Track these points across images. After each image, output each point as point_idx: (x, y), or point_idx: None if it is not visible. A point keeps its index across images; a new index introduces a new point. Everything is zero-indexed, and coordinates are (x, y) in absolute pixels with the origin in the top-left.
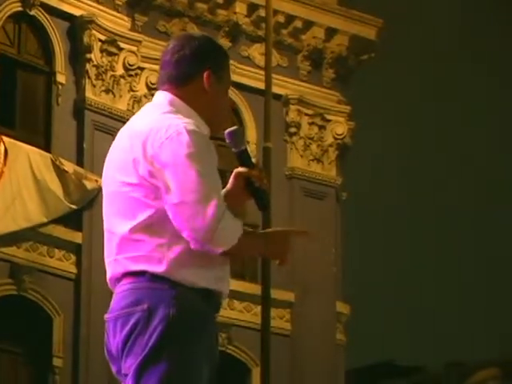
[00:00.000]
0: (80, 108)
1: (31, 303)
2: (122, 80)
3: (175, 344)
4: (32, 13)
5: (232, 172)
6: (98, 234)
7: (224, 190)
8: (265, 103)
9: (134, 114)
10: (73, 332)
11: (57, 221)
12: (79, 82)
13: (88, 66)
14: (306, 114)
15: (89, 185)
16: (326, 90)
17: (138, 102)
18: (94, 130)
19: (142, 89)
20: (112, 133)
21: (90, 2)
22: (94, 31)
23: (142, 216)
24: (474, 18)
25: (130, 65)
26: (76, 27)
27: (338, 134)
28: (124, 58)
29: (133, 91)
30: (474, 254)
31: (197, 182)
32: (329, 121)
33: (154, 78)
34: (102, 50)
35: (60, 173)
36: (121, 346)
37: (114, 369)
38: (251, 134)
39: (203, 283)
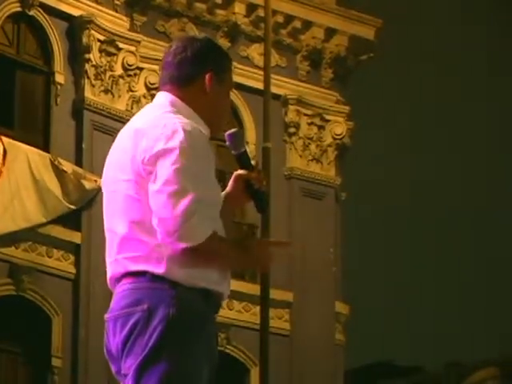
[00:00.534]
0: (79, 108)
1: (30, 303)
2: (120, 80)
3: (175, 344)
4: (31, 13)
5: (231, 173)
6: (96, 234)
7: (224, 192)
8: (264, 103)
9: (132, 114)
10: (72, 332)
11: (56, 221)
12: (78, 82)
13: (87, 66)
14: (305, 114)
15: (88, 185)
16: (325, 90)
17: (136, 102)
18: (93, 130)
19: (140, 89)
20: (111, 133)
21: (88, 2)
22: (92, 31)
23: (142, 216)
24: (473, 18)
25: (128, 65)
26: (75, 27)
27: (337, 134)
28: (123, 58)
29: (132, 91)
30: (473, 254)
31: (178, 175)
32: (328, 121)
33: (152, 78)
34: (100, 50)
35: (59, 173)
36: (121, 346)
37: (113, 369)
38: (250, 134)
39: (203, 283)
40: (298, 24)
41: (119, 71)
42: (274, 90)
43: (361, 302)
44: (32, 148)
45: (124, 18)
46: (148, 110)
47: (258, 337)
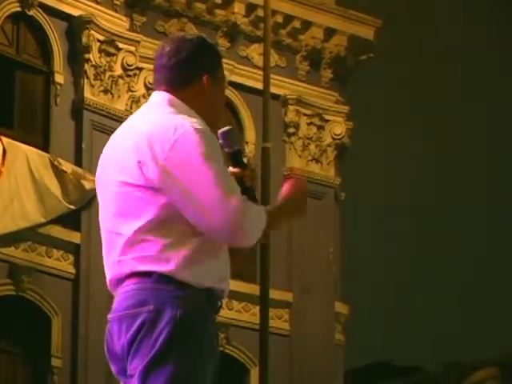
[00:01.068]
0: (78, 108)
1: (30, 303)
2: (120, 80)
3: (182, 345)
4: (30, 13)
5: None
6: (96, 234)
7: None
8: (263, 103)
9: (132, 114)
10: (71, 332)
11: (55, 221)
12: (78, 82)
13: (86, 66)
14: (305, 114)
15: (87, 185)
16: (325, 90)
17: (136, 102)
18: (93, 130)
19: (140, 89)
20: (110, 133)
21: (88, 2)
22: (92, 31)
23: (149, 217)
24: (473, 18)
25: (128, 65)
26: (74, 27)
27: (336, 134)
28: (122, 58)
29: (131, 91)
30: (473, 254)
31: (215, 179)
32: (327, 121)
33: (152, 79)
34: (100, 50)
35: (58, 173)
36: (126, 346)
37: (114, 369)
38: (250, 134)
39: (209, 283)
40: (297, 24)
41: (119, 71)
42: (273, 90)
43: (361, 302)
44: (32, 148)
45: (124, 18)
46: (147, 110)
47: (258, 337)
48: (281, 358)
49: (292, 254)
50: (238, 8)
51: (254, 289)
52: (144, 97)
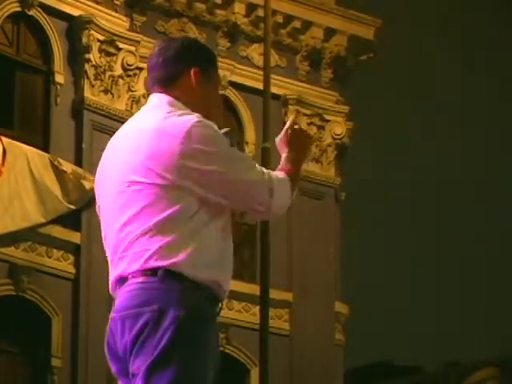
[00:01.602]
0: (78, 108)
1: (30, 303)
2: (120, 80)
3: (185, 345)
4: (30, 13)
5: None
6: (96, 234)
7: None
8: (263, 103)
9: (132, 114)
10: (71, 332)
11: (55, 221)
12: (78, 82)
13: (86, 66)
14: (305, 114)
15: (87, 185)
16: (325, 90)
17: (136, 102)
18: (93, 130)
19: (140, 89)
20: (111, 133)
21: (88, 2)
22: (92, 31)
23: (155, 214)
24: (473, 18)
25: (128, 65)
26: (74, 27)
27: (336, 134)
28: (122, 58)
29: (131, 91)
30: (473, 254)
31: (245, 164)
32: (327, 121)
33: None
34: (100, 50)
35: (58, 173)
36: (129, 346)
37: (114, 369)
38: (250, 134)
39: (211, 282)
40: (297, 24)
41: (119, 71)
42: (273, 90)
43: (361, 302)
44: (31, 148)
45: (124, 18)
46: (148, 112)
47: (258, 337)
48: (281, 358)
49: (292, 254)
50: (239, 8)
51: (254, 289)
52: (144, 97)
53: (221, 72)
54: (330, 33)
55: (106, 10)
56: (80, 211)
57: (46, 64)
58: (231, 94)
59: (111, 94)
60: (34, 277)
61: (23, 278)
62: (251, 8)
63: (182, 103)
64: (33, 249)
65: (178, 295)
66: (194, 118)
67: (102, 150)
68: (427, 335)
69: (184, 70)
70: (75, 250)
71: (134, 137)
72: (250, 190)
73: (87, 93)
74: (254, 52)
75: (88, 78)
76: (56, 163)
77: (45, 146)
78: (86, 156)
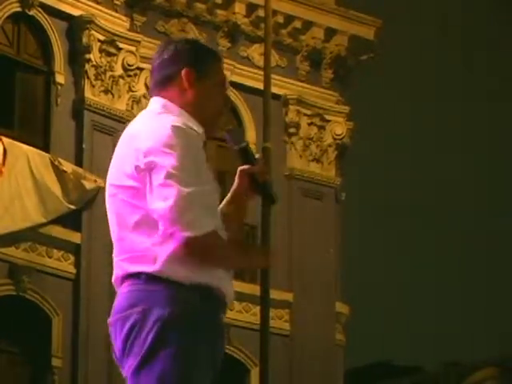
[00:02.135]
0: (79, 108)
1: (30, 303)
2: (120, 80)
3: (171, 344)
4: (31, 13)
5: (233, 172)
6: (96, 234)
7: (231, 190)
8: (264, 103)
9: (132, 114)
10: (72, 332)
11: (56, 221)
12: (78, 83)
13: (87, 67)
14: (305, 115)
15: (88, 185)
16: (325, 91)
17: (137, 103)
18: (93, 130)
19: (140, 89)
20: (111, 133)
21: (88, 2)
22: (92, 31)
23: (136, 217)
24: (473, 18)
25: (128, 65)
26: (75, 27)
27: (337, 135)
28: (123, 59)
29: (132, 91)
30: (474, 254)
31: (175, 171)
32: (328, 121)
33: None
34: (100, 50)
35: (59, 173)
36: (121, 348)
37: (122, 372)
38: (250, 134)
39: (202, 280)
40: (298, 24)
41: (119, 71)
42: (274, 90)
43: (361, 302)
44: (32, 148)
45: (124, 18)
46: (142, 116)
47: (258, 337)
48: (281, 358)
49: (292, 254)
50: (239, 8)
51: (254, 289)
52: (145, 97)
53: None
54: (330, 33)
55: (106, 10)
56: (80, 211)
57: (47, 64)
58: (232, 94)
59: (112, 94)
60: (35, 277)
61: (23, 278)
62: (252, 8)
63: (177, 105)
64: (33, 249)
65: (164, 295)
66: (168, 121)
67: (103, 150)
68: (427, 335)
69: (175, 72)
70: (75, 250)
71: (124, 142)
72: (161, 194)
73: (88, 93)
74: (255, 52)
75: (88, 78)
76: (56, 163)
77: (45, 146)
78: (86, 156)
